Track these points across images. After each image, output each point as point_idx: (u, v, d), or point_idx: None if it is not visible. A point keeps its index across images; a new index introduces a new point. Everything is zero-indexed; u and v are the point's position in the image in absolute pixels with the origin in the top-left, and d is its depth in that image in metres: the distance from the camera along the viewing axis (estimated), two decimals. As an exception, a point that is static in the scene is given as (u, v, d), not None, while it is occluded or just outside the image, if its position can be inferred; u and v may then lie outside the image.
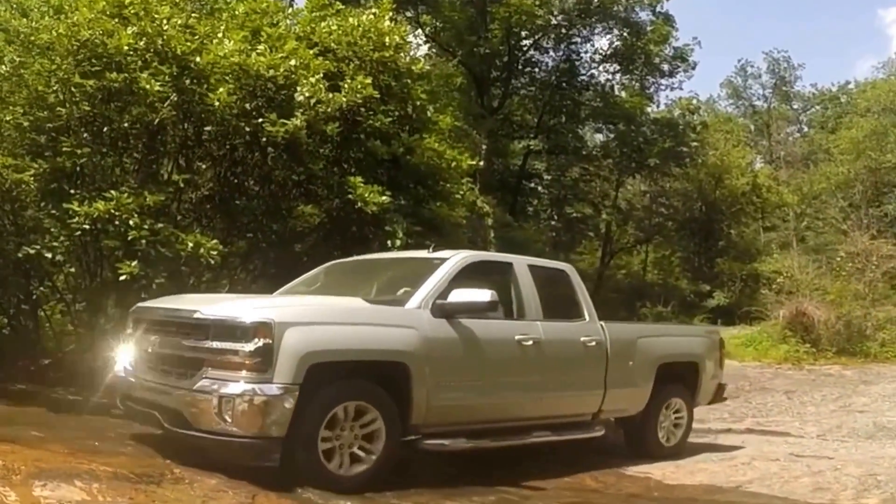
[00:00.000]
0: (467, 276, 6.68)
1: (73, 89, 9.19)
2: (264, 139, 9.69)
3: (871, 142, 33.37)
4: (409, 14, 29.16)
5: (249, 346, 5.31)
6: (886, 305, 23.02)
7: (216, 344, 5.46)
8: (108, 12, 9.48)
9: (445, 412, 6.32)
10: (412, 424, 6.07)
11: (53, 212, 8.99)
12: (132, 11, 9.68)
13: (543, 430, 7.16)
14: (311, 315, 5.81)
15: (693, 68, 33.71)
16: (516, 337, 6.89)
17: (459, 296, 6.32)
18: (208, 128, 9.91)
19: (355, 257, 8.68)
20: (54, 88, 9.34)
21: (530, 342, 6.94)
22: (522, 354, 6.90)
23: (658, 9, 32.85)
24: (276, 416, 5.28)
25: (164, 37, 9.48)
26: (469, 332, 6.45)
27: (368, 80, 10.33)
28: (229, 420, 5.24)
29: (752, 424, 11.70)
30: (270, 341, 5.30)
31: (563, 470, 7.26)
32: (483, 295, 6.29)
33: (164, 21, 9.63)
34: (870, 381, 16.01)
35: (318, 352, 5.52)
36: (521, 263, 7.52)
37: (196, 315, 5.71)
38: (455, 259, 6.89)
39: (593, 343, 7.60)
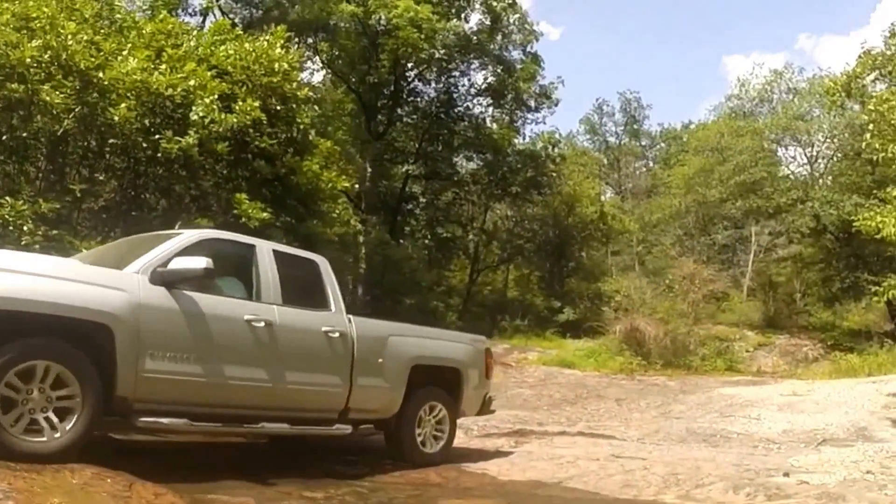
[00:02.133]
0: (202, 252, 5.92)
1: (-27, 97, 8.85)
2: (161, 155, 9.55)
3: (700, 178, 34.95)
4: (309, 41, 28.98)
5: None
6: (707, 324, 24.32)
7: None
8: (12, 25, 9.19)
9: (159, 386, 5.54)
10: (119, 396, 5.33)
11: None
12: (38, 25, 9.43)
13: (280, 422, 6.40)
14: (6, 264, 5.05)
15: (556, 105, 34.62)
16: (246, 316, 6.13)
17: (176, 263, 5.69)
18: (112, 140, 9.72)
19: (137, 235, 7.60)
20: (-46, 95, 8.98)
21: (262, 324, 6.19)
22: (252, 336, 6.17)
23: (528, 49, 33.77)
24: None
25: (69, 51, 9.37)
26: (190, 304, 5.77)
27: (257, 103, 10.44)
28: None
29: (583, 428, 12.04)
30: None
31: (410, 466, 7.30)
32: (198, 262, 5.65)
33: (70, 36, 9.50)
34: (688, 390, 16.73)
35: (5, 298, 4.81)
36: (265, 247, 6.84)
37: None
38: (189, 234, 6.33)
39: (336, 335, 6.83)
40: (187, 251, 5.88)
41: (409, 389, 7.46)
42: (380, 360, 7.20)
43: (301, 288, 7.00)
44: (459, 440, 10.37)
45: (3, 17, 9.16)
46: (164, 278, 5.64)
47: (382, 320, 7.94)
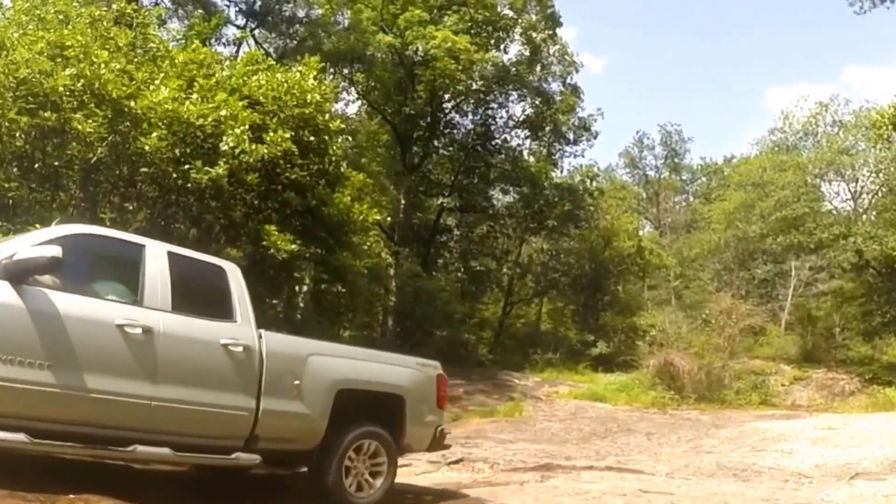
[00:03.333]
0: (76, 249, 5.43)
1: (7, 124, 8.98)
2: (191, 184, 9.58)
3: (741, 213, 34.55)
4: (344, 71, 29.24)
5: None
6: (743, 358, 24.05)
7: None
8: (47, 53, 9.31)
9: None
10: None
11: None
12: (72, 53, 9.54)
13: (161, 446, 5.47)
14: None
15: (595, 137, 34.43)
16: (117, 321, 5.39)
17: (22, 253, 5.07)
18: (143, 169, 9.78)
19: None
20: (-10, 122, 9.11)
21: (138, 331, 5.45)
22: (124, 344, 5.40)
23: (567, 80, 33.67)
24: None
25: (102, 80, 9.40)
26: (43, 303, 5.10)
27: (288, 135, 10.43)
28: None
29: (612, 462, 11.85)
30: None
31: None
32: (45, 251, 5.04)
33: (103, 65, 9.56)
34: (721, 425, 16.55)
35: None
36: (158, 249, 6.12)
37: None
38: (60, 228, 5.68)
39: (240, 349, 6.03)
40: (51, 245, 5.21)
41: (336, 418, 6.54)
42: (296, 382, 6.31)
43: (202, 296, 6.39)
44: (483, 474, 10.27)
45: (38, 45, 9.27)
46: (9, 271, 5.03)
47: (304, 338, 7.11)
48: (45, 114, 8.91)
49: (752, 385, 23.03)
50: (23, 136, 9.14)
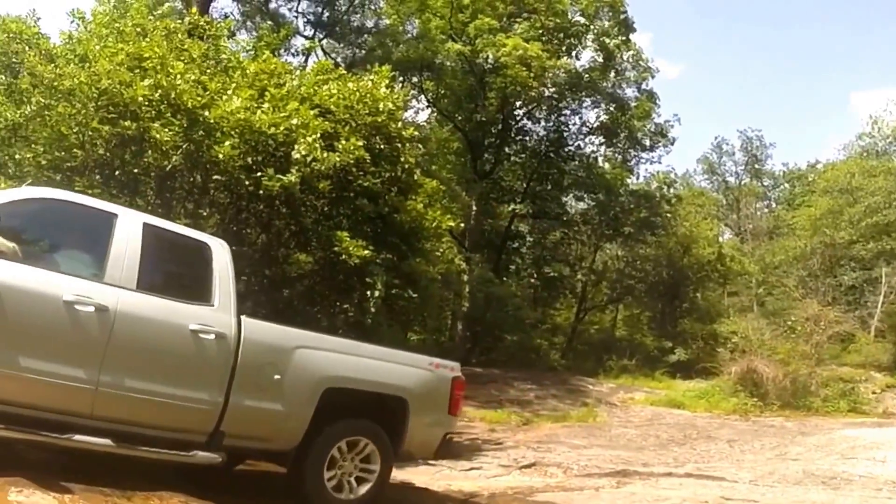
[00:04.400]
0: (40, 215, 5.18)
1: (90, 133, 9.34)
2: (262, 192, 9.79)
3: (828, 220, 33.65)
4: (414, 80, 29.48)
5: None
6: (830, 365, 23.40)
7: None
8: (126, 64, 9.67)
9: None
10: None
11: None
12: (150, 65, 9.87)
13: (105, 436, 5.02)
14: None
15: (672, 143, 33.97)
16: (66, 297, 4.95)
17: None
18: (216, 177, 10.02)
19: None
20: (74, 131, 9.51)
21: (90, 309, 5.00)
22: (70, 321, 4.97)
23: (643, 86, 33.28)
24: None
25: (178, 90, 9.64)
26: None
27: (360, 143, 10.47)
28: None
29: (692, 469, 11.55)
30: None
31: None
32: None
33: (178, 76, 9.82)
34: (807, 432, 16.05)
35: None
36: (132, 219, 5.67)
37: None
38: (23, 190, 5.43)
39: (211, 336, 5.51)
40: (11, 214, 4.91)
41: (323, 417, 6.02)
42: (276, 377, 5.78)
43: (177, 275, 5.97)
44: (557, 479, 10.20)
45: (118, 56, 9.62)
46: None
47: (294, 328, 6.47)
48: (126, 123, 9.22)
49: (841, 392, 22.15)
50: (104, 144, 9.49)
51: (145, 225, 5.66)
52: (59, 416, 4.93)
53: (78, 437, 4.89)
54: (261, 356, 5.77)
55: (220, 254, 6.02)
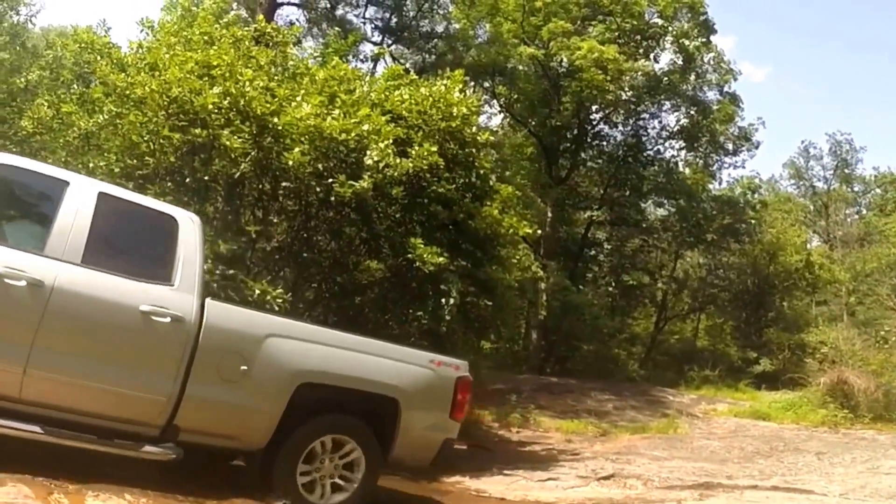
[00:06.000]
0: None
1: (161, 141, 9.38)
2: (333, 198, 9.68)
3: (925, 226, 32.36)
4: (486, 84, 29.24)
5: None
6: (927, 377, 22.34)
7: None
8: (196, 72, 9.66)
9: None
10: None
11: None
12: (219, 72, 9.84)
13: (34, 422, 4.63)
14: None
15: (756, 147, 32.86)
16: None
17: None
18: (285, 184, 9.96)
19: None
20: (146, 139, 9.57)
21: (21, 283, 4.62)
22: (1, 297, 4.61)
23: (725, 88, 32.22)
24: None
25: (247, 98, 9.56)
26: None
27: (434, 148, 10.26)
28: None
29: (778, 482, 10.98)
30: None
31: None
32: None
33: (247, 83, 9.75)
34: (902, 446, 15.23)
35: None
36: (86, 187, 5.24)
37: None
38: None
39: (166, 319, 5.05)
40: None
41: (299, 415, 5.52)
42: (243, 368, 5.28)
43: (134, 250, 5.44)
44: (637, 491, 9.87)
45: (188, 65, 9.62)
46: None
47: (265, 313, 5.93)
48: (196, 130, 9.23)
49: (941, 406, 21.26)
50: (174, 152, 9.51)
51: (101, 194, 5.25)
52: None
53: (2, 421, 4.54)
54: (225, 344, 5.29)
55: (188, 229, 5.53)
